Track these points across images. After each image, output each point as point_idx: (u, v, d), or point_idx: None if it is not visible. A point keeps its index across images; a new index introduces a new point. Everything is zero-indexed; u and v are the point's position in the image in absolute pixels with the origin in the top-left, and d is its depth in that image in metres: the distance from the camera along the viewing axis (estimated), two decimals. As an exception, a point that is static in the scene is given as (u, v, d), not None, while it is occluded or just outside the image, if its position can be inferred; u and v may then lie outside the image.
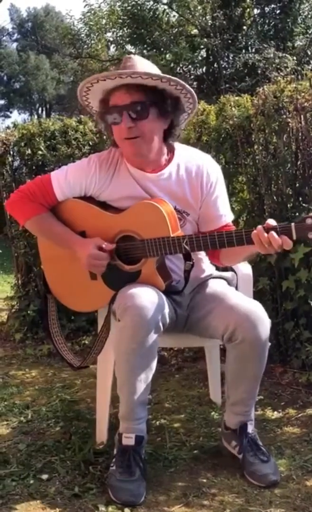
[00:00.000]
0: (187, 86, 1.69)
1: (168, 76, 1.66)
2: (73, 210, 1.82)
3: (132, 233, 1.74)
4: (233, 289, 1.89)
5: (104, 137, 3.14)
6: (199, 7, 10.80)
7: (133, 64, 1.70)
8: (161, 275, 1.74)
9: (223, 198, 1.86)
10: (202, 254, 1.90)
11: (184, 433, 2.04)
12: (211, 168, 1.83)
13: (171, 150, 1.81)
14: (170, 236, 1.68)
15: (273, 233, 1.55)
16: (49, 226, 1.82)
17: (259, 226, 1.58)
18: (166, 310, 1.69)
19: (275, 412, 2.20)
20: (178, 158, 1.81)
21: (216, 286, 1.87)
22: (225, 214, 1.86)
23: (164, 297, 1.71)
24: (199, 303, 1.84)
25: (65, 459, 1.84)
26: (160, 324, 1.64)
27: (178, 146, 1.84)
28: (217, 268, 2.06)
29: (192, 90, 1.71)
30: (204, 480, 1.72)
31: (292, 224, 1.55)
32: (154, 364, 1.67)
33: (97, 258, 1.72)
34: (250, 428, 1.79)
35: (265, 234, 1.56)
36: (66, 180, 1.80)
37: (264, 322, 1.68)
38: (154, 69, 1.73)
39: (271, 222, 1.60)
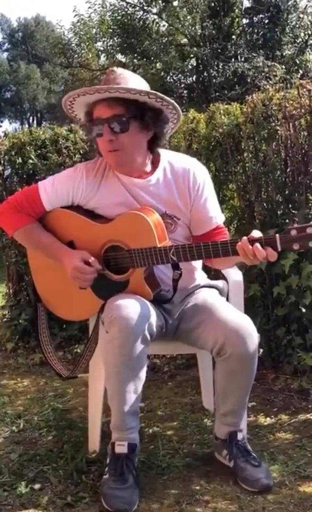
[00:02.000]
0: (166, 98, 1.71)
1: (146, 90, 1.68)
2: (61, 220, 1.83)
3: (119, 243, 1.75)
4: (223, 300, 1.89)
5: (95, 145, 3.15)
6: (188, 17, 10.91)
7: (115, 77, 1.72)
8: (149, 285, 1.75)
9: (212, 199, 1.87)
10: (193, 263, 1.90)
11: (177, 440, 2.04)
12: (197, 171, 1.84)
13: (156, 157, 1.83)
14: (157, 247, 1.69)
15: (258, 245, 1.56)
16: (37, 237, 1.83)
17: (244, 238, 1.59)
18: (153, 320, 1.69)
19: (268, 418, 2.20)
20: (164, 162, 1.82)
21: (207, 296, 1.87)
22: (216, 216, 1.86)
23: (150, 307, 1.71)
24: (189, 313, 1.84)
25: (58, 468, 1.83)
26: (147, 335, 1.64)
27: (163, 151, 1.85)
28: (209, 276, 2.07)
29: (172, 101, 1.73)
30: (197, 487, 1.72)
31: (277, 235, 1.56)
32: (143, 374, 1.67)
33: (82, 271, 1.73)
34: (240, 436, 1.79)
35: (250, 246, 1.56)
36: (53, 189, 1.81)
37: (252, 337, 1.68)
38: (137, 81, 1.74)
39: (256, 233, 1.61)
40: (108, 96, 1.68)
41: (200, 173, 1.84)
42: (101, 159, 1.83)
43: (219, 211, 1.90)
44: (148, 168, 1.81)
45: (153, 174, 1.80)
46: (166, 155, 1.85)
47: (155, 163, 1.82)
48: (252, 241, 1.57)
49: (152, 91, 1.69)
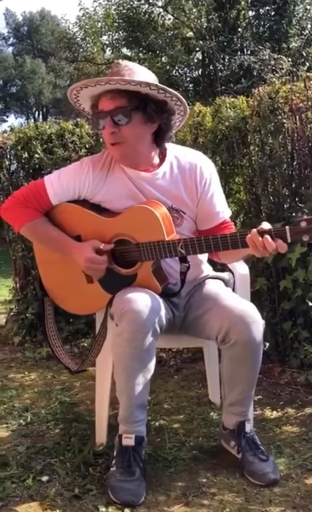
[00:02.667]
0: (168, 89, 1.70)
1: (146, 81, 1.67)
2: (68, 215, 1.82)
3: (127, 237, 1.75)
4: (229, 290, 1.90)
5: (101, 139, 3.15)
6: (194, 10, 10.86)
7: (119, 69, 1.72)
8: (157, 278, 1.75)
9: (219, 194, 1.87)
10: (199, 256, 1.90)
11: (184, 433, 2.04)
12: (204, 165, 1.83)
13: (163, 151, 1.82)
14: (165, 240, 1.69)
15: (268, 237, 1.56)
16: (44, 232, 1.82)
17: (254, 230, 1.58)
18: (163, 313, 1.70)
19: (274, 412, 2.21)
20: (171, 157, 1.82)
21: (212, 286, 1.88)
22: (222, 211, 1.86)
23: (160, 300, 1.72)
24: (195, 303, 1.85)
25: (65, 460, 1.85)
26: (157, 328, 1.65)
27: (169, 146, 1.85)
28: (214, 269, 2.07)
29: (175, 92, 1.72)
30: (204, 480, 1.73)
31: (287, 227, 1.56)
32: (152, 367, 1.68)
33: (96, 262, 1.73)
34: (248, 428, 1.80)
35: (260, 238, 1.56)
36: (59, 183, 1.80)
37: (257, 324, 1.68)
38: (143, 73, 1.74)
39: (265, 225, 1.61)
40: (110, 88, 1.67)
41: (207, 168, 1.83)
42: (107, 152, 1.83)
43: (226, 206, 1.89)
44: (155, 161, 1.80)
45: (159, 168, 1.79)
46: (173, 149, 1.84)
47: (161, 157, 1.81)
48: (262, 233, 1.57)
49: (153, 83, 1.68)
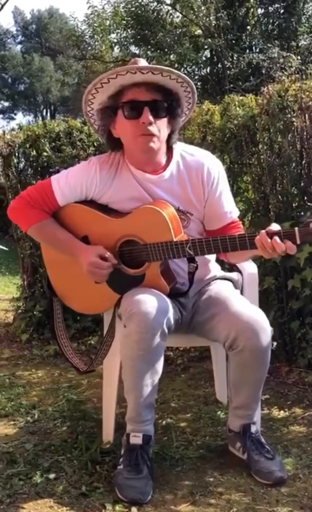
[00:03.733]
0: (195, 92, 1.72)
1: (186, 78, 1.68)
2: (75, 215, 1.81)
3: (135, 238, 1.74)
4: (237, 293, 1.88)
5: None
6: (202, 8, 10.82)
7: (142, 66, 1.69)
8: (165, 278, 1.74)
9: (227, 194, 1.85)
10: (207, 256, 1.88)
11: (191, 432, 2.04)
12: (211, 164, 1.81)
13: (170, 151, 1.81)
14: (173, 241, 1.68)
15: (277, 238, 1.55)
16: (51, 233, 1.81)
17: (262, 231, 1.58)
18: (171, 314, 1.69)
19: (281, 411, 2.20)
20: (177, 156, 1.80)
21: (221, 289, 1.86)
22: (231, 211, 1.85)
23: (168, 301, 1.71)
24: (203, 306, 1.83)
25: (72, 458, 1.85)
26: (166, 329, 1.65)
27: (176, 144, 1.83)
28: (222, 268, 2.06)
29: (196, 97, 1.75)
30: (211, 479, 1.72)
31: (296, 228, 1.56)
32: (160, 368, 1.68)
33: (98, 266, 1.72)
34: (253, 429, 1.79)
35: (269, 240, 1.55)
36: (66, 183, 1.79)
37: (265, 331, 1.67)
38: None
39: (274, 227, 1.60)
40: (147, 79, 1.65)
41: (214, 167, 1.81)
42: (114, 153, 1.81)
43: (234, 205, 1.88)
44: (163, 162, 1.78)
45: (166, 169, 1.77)
46: (179, 148, 1.82)
47: (168, 158, 1.80)
48: (271, 234, 1.56)
49: (187, 78, 1.68)
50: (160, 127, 1.69)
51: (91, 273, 1.74)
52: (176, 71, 1.67)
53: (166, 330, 1.65)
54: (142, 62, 1.72)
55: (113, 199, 1.80)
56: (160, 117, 1.68)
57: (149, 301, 1.63)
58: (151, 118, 1.66)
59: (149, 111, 1.66)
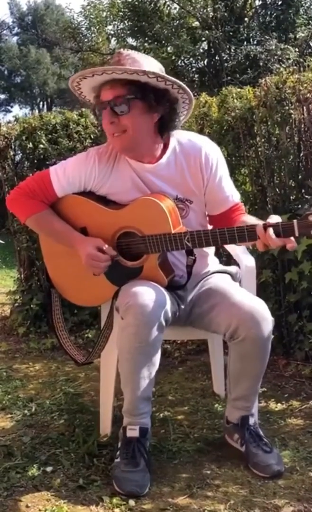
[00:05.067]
0: (167, 76, 1.66)
1: (142, 69, 1.63)
2: (73, 207, 1.81)
3: (133, 230, 1.73)
4: (237, 285, 1.88)
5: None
6: (200, -1, 10.73)
7: (120, 59, 1.68)
8: (163, 271, 1.73)
9: (226, 178, 1.83)
10: (205, 249, 1.88)
11: (188, 425, 2.04)
12: (208, 149, 1.78)
13: (166, 139, 1.78)
14: (172, 233, 1.67)
15: (271, 232, 1.54)
16: (50, 224, 1.81)
17: (260, 224, 1.58)
18: (169, 307, 1.69)
19: (279, 404, 2.20)
20: (173, 143, 1.78)
21: (219, 281, 1.86)
22: (232, 194, 1.84)
23: (166, 294, 1.71)
24: (201, 298, 1.83)
25: (69, 451, 1.85)
26: (163, 322, 1.64)
27: (173, 132, 1.80)
28: (221, 262, 2.06)
29: (175, 80, 1.67)
30: (208, 472, 1.73)
31: (294, 221, 1.55)
32: (157, 361, 1.68)
33: (96, 259, 1.71)
34: (252, 421, 1.79)
35: (271, 233, 1.54)
36: (65, 175, 1.78)
37: (267, 321, 1.67)
38: (147, 62, 1.69)
39: (274, 219, 1.59)
40: (108, 78, 1.65)
41: (212, 152, 1.79)
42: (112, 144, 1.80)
43: (234, 189, 1.87)
44: (158, 151, 1.77)
45: (162, 157, 1.76)
46: (176, 135, 1.80)
47: (165, 145, 1.78)
48: (269, 227, 1.55)
49: (151, 70, 1.63)
50: (127, 122, 1.67)
51: (89, 265, 1.73)
52: (132, 68, 1.62)
53: (164, 323, 1.64)
54: (122, 55, 1.69)
55: (111, 191, 1.79)
56: (124, 113, 1.66)
57: (146, 294, 1.63)
58: (111, 118, 1.66)
59: (111, 109, 1.66)
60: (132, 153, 1.75)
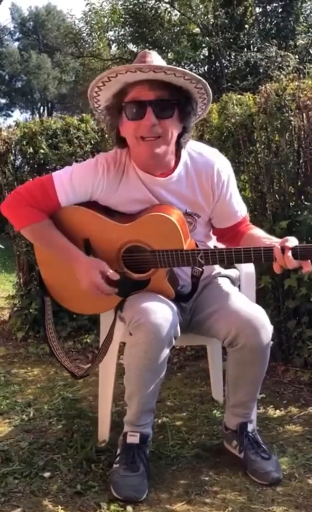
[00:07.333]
0: (209, 88, 1.60)
1: (195, 76, 1.55)
2: (75, 217, 1.70)
3: (141, 244, 1.67)
4: (236, 291, 1.86)
5: (106, 135, 3.14)
6: (201, 6, 10.80)
7: (152, 60, 1.60)
8: (170, 283, 1.71)
9: (236, 193, 1.80)
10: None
11: (186, 431, 2.04)
12: (221, 166, 1.74)
13: (178, 151, 1.71)
14: (184, 250, 1.63)
15: (290, 255, 1.53)
16: (48, 237, 1.69)
17: (277, 247, 1.56)
18: (178, 323, 1.66)
19: (277, 411, 2.20)
20: (185, 156, 1.71)
21: (219, 286, 1.84)
22: (240, 209, 1.82)
23: (176, 310, 1.67)
24: (202, 304, 1.82)
25: (67, 457, 1.84)
26: (173, 339, 1.63)
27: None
28: (220, 266, 2.05)
29: (210, 92, 1.62)
30: (206, 478, 1.72)
31: None
32: (163, 375, 1.67)
33: (101, 289, 1.64)
34: (250, 427, 1.79)
35: (290, 256, 1.53)
36: (71, 184, 1.67)
37: (266, 328, 1.66)
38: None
39: (291, 243, 1.56)
40: (150, 77, 1.54)
41: (224, 169, 1.74)
42: (120, 152, 1.71)
43: (242, 202, 1.84)
44: (172, 164, 1.69)
45: (174, 171, 1.69)
46: (187, 147, 1.72)
47: (176, 158, 1.70)
48: (287, 251, 1.54)
49: (197, 76, 1.55)
50: (167, 128, 1.58)
51: (91, 292, 1.66)
52: (180, 69, 1.54)
53: (173, 340, 1.63)
54: (152, 56, 1.63)
55: (118, 203, 1.71)
56: (166, 117, 1.57)
57: (158, 311, 1.58)
58: (154, 119, 1.55)
59: (153, 111, 1.55)
60: (154, 162, 1.63)
